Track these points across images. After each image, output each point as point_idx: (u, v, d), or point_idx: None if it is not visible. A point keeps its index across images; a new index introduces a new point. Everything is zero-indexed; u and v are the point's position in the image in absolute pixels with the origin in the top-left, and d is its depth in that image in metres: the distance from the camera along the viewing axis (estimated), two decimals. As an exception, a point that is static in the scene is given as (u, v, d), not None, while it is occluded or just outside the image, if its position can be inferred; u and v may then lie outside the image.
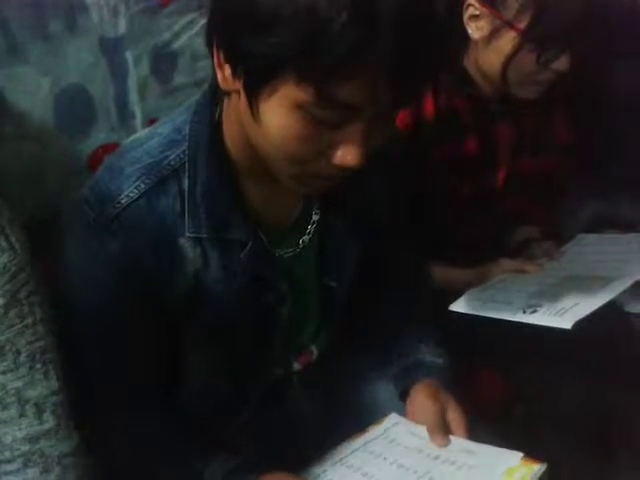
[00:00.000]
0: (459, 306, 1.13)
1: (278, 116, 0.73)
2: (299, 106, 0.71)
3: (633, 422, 1.30)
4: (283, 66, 0.69)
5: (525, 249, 1.37)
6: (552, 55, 1.17)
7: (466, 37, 1.23)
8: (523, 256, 1.34)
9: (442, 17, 0.73)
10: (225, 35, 0.75)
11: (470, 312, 1.11)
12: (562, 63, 1.17)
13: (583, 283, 1.11)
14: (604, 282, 1.09)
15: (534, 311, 1.06)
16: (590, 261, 1.23)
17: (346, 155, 0.75)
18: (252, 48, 0.70)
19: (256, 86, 0.73)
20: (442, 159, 1.28)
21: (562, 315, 1.01)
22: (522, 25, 1.16)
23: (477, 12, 1.19)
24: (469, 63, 1.27)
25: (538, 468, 0.84)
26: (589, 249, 1.30)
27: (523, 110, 1.32)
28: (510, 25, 1.16)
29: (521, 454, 0.87)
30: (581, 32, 1.14)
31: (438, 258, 1.30)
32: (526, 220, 1.44)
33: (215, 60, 0.77)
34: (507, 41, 1.18)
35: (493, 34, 1.19)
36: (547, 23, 1.14)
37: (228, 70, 0.76)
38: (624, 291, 1.09)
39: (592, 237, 1.35)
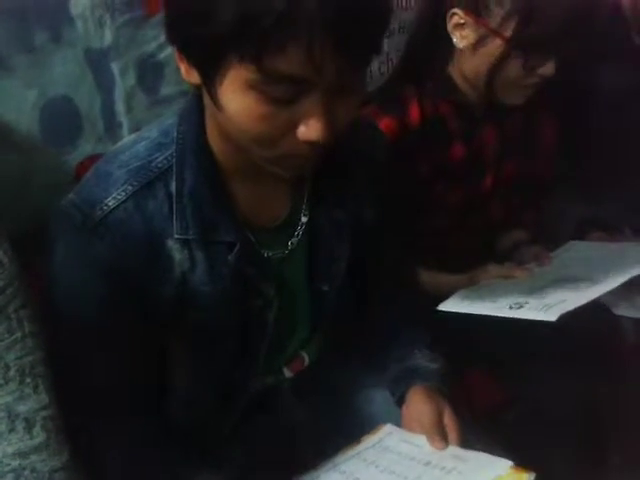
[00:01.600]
0: (447, 305, 1.14)
1: (234, 99, 0.75)
2: (250, 86, 0.73)
3: (624, 425, 1.31)
4: (224, 48, 0.71)
5: (514, 253, 1.38)
6: (538, 61, 1.17)
7: (450, 45, 1.23)
8: (512, 260, 1.34)
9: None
10: (173, 30, 0.77)
11: (457, 310, 1.11)
12: (548, 68, 1.18)
13: (570, 284, 1.12)
14: (590, 283, 1.10)
15: (520, 307, 1.07)
16: (578, 266, 1.24)
17: (309, 130, 0.75)
18: (193, 36, 0.72)
19: (208, 73, 0.75)
20: (429, 165, 1.28)
21: (547, 310, 1.02)
22: (508, 33, 1.16)
23: (462, 21, 1.19)
24: (454, 70, 1.27)
25: (527, 477, 0.85)
26: (578, 255, 1.30)
27: (508, 114, 1.32)
28: (496, 33, 1.16)
29: (510, 462, 0.87)
30: (567, 37, 1.15)
31: (427, 263, 1.30)
32: (515, 224, 1.45)
33: (176, 56, 0.79)
34: (493, 49, 1.18)
35: (479, 42, 1.19)
36: (533, 30, 1.14)
37: (186, 63, 0.78)
38: (612, 293, 1.09)
39: (582, 244, 1.36)
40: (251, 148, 0.80)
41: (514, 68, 1.18)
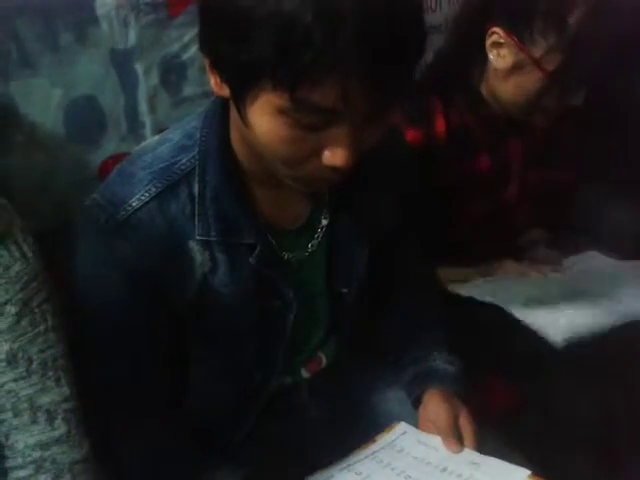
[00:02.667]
0: (460, 289, 1.15)
1: (263, 121, 0.75)
2: (280, 111, 0.73)
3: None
4: (259, 74, 0.71)
5: (530, 250, 1.38)
6: (572, 93, 1.16)
7: (485, 61, 1.21)
8: (527, 256, 1.34)
9: (412, 17, 0.73)
10: (208, 45, 0.77)
11: (469, 295, 1.12)
12: (578, 98, 1.17)
13: (581, 300, 1.12)
14: (601, 303, 1.10)
15: (532, 311, 1.08)
16: (591, 280, 1.23)
17: (333, 157, 0.76)
18: (231, 58, 0.72)
19: (240, 93, 0.75)
20: (454, 176, 1.28)
21: (555, 327, 1.02)
22: (549, 67, 1.13)
23: (501, 40, 1.17)
24: (485, 86, 1.25)
25: None
26: (593, 268, 1.30)
27: (535, 126, 1.31)
28: (537, 64, 1.14)
29: (528, 471, 0.87)
30: (604, 72, 1.14)
31: (448, 263, 1.30)
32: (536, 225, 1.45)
33: (207, 68, 0.79)
34: (531, 78, 1.16)
35: (516, 66, 1.17)
36: (576, 69, 1.12)
37: (218, 77, 0.78)
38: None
39: (599, 257, 1.35)
40: (274, 164, 0.80)
41: (548, 98, 1.17)
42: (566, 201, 1.47)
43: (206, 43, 0.77)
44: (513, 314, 1.08)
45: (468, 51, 1.23)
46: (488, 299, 1.11)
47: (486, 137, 1.29)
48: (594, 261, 1.33)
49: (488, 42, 1.18)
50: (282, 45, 0.67)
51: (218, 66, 0.76)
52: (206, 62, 0.78)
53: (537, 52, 1.14)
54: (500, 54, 1.18)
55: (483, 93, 1.26)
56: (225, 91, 0.78)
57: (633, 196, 1.52)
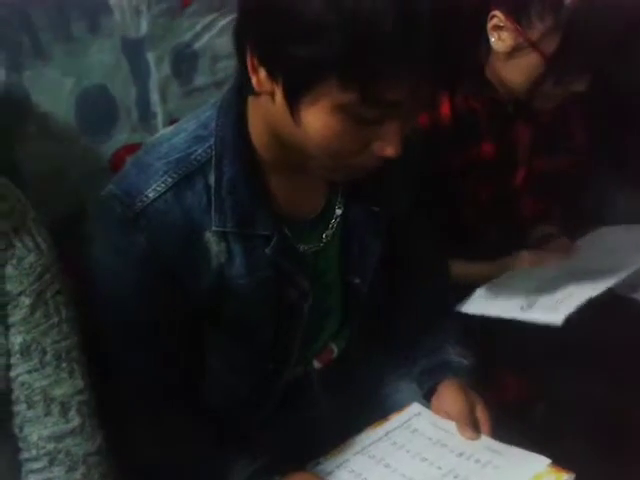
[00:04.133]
0: (466, 307, 1.14)
1: (320, 118, 0.75)
2: (341, 108, 0.73)
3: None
4: (326, 72, 0.71)
5: (543, 245, 1.37)
6: (572, 79, 1.16)
7: (488, 44, 1.21)
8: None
9: (470, 21, 0.75)
10: (262, 41, 0.75)
11: (474, 312, 1.12)
12: (580, 84, 1.16)
13: (582, 276, 1.11)
14: (602, 273, 1.09)
15: (530, 307, 1.07)
16: (601, 255, 1.23)
17: (387, 148, 0.78)
18: (294, 55, 0.71)
19: (297, 91, 0.74)
20: (460, 160, 1.28)
21: (554, 310, 1.02)
22: (546, 49, 1.13)
23: (501, 24, 1.17)
24: (489, 69, 1.25)
25: (567, 477, 0.84)
26: (604, 241, 1.29)
27: (540, 110, 1.31)
28: (534, 47, 1.14)
29: (548, 460, 0.87)
30: (604, 58, 1.13)
31: (458, 255, 1.30)
32: (545, 218, 1.44)
33: (248, 63, 0.78)
34: (530, 60, 1.16)
35: (515, 50, 1.17)
36: (573, 53, 1.11)
37: (263, 73, 0.77)
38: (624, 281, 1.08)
39: (612, 229, 1.34)
40: (318, 159, 0.81)
41: (548, 83, 1.16)
42: (573, 188, 1.46)
43: (254, 38, 0.76)
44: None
45: (472, 35, 1.23)
46: (489, 313, 1.10)
47: (492, 121, 1.29)
48: (604, 235, 1.32)
49: (489, 25, 1.19)
50: (357, 48, 0.68)
51: (272, 63, 0.75)
52: (249, 58, 0.77)
53: (534, 35, 1.14)
54: (500, 37, 1.18)
55: (489, 76, 1.26)
56: (270, 88, 0.77)
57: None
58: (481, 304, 1.14)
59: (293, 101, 0.75)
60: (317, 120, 0.75)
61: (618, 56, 1.13)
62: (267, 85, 0.77)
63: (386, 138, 0.77)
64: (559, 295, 1.05)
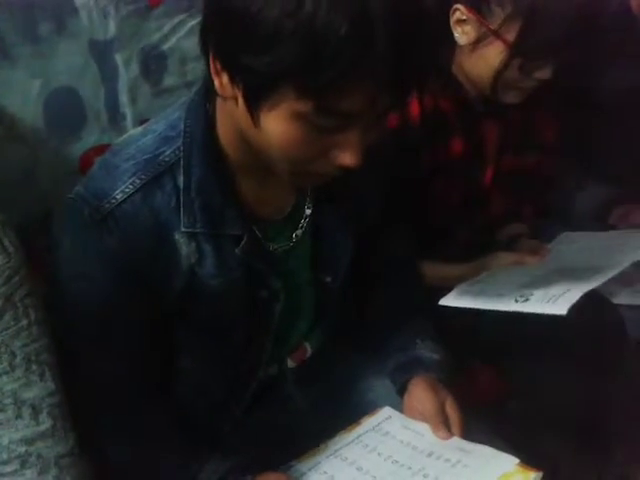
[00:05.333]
0: (449, 300, 1.13)
1: (279, 124, 0.75)
2: (299, 116, 0.73)
3: (626, 417, 1.31)
4: (283, 81, 0.71)
5: (513, 245, 1.38)
6: (536, 65, 1.17)
7: (453, 41, 1.22)
8: (511, 251, 1.34)
9: (433, 22, 0.75)
10: (222, 48, 0.76)
11: (460, 305, 1.11)
12: (545, 72, 1.17)
13: (572, 272, 1.12)
14: (592, 271, 1.10)
15: (526, 300, 1.06)
16: (576, 255, 1.24)
17: (346, 157, 0.77)
18: (251, 64, 0.71)
19: (256, 98, 0.75)
20: (429, 160, 1.28)
21: (555, 301, 1.02)
22: (508, 36, 1.14)
23: (464, 17, 1.18)
24: (455, 67, 1.26)
25: (534, 476, 0.84)
26: (574, 246, 1.31)
27: (509, 109, 1.32)
28: (497, 35, 1.15)
29: (516, 460, 0.87)
30: (567, 43, 1.13)
31: (431, 256, 1.30)
32: (516, 217, 1.45)
33: (211, 67, 0.78)
34: (493, 50, 1.17)
35: (479, 41, 1.18)
36: (535, 38, 1.13)
37: (226, 78, 0.77)
38: (612, 281, 1.09)
39: (575, 235, 1.36)
40: (279, 164, 0.81)
41: (511, 71, 1.18)
42: (541, 188, 1.48)
43: (216, 45, 0.76)
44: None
45: (436, 33, 1.23)
46: (480, 306, 1.11)
47: (460, 120, 1.30)
48: (572, 240, 1.34)
49: (452, 20, 1.20)
50: (313, 57, 0.67)
51: (232, 69, 0.75)
52: (212, 62, 0.77)
53: (496, 23, 1.16)
54: (464, 31, 1.20)
55: (455, 73, 1.27)
56: (232, 92, 0.77)
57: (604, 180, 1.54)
58: (467, 298, 1.13)
59: (253, 107, 0.76)
60: (276, 126, 0.75)
61: (579, 44, 1.14)
62: (229, 89, 0.77)
63: (345, 147, 0.77)
64: (554, 290, 1.05)
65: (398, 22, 0.68)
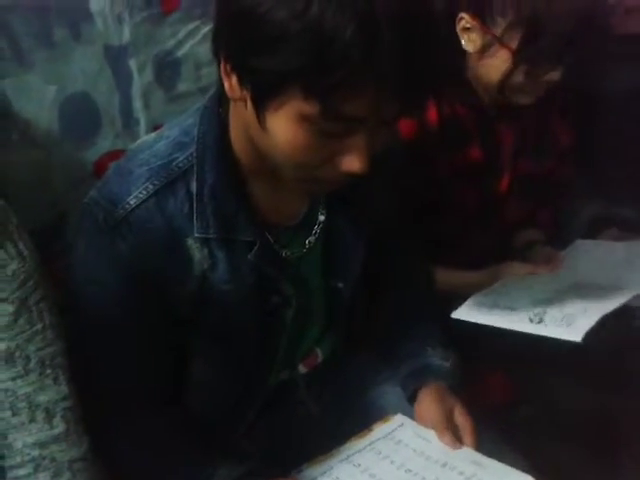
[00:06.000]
0: (462, 314, 1.12)
1: (285, 127, 0.75)
2: (305, 118, 0.73)
3: (637, 427, 1.30)
4: (289, 81, 0.71)
5: (527, 252, 1.38)
6: (542, 71, 1.17)
7: (462, 47, 1.23)
8: (526, 258, 1.34)
9: (442, 29, 0.75)
10: (231, 49, 0.76)
11: (473, 320, 1.10)
12: (554, 75, 1.18)
13: (588, 291, 1.11)
14: (611, 288, 1.09)
15: (540, 320, 1.06)
16: (592, 268, 1.23)
17: (352, 163, 0.77)
18: (259, 64, 0.72)
19: (263, 99, 0.75)
20: (447, 166, 1.28)
21: (570, 325, 1.01)
22: (512, 43, 1.15)
23: (469, 25, 1.19)
24: (469, 73, 1.27)
25: None
26: (590, 256, 1.30)
27: (523, 114, 1.33)
28: (501, 43, 1.16)
29: (531, 478, 0.87)
30: (573, 48, 1.14)
31: (445, 262, 1.30)
32: (532, 223, 1.45)
33: (222, 69, 0.79)
34: (499, 57, 1.18)
35: (485, 48, 1.20)
36: (537, 45, 1.13)
37: (235, 79, 0.77)
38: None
39: (590, 243, 1.35)
40: (285, 169, 0.81)
41: (518, 76, 1.18)
42: (557, 193, 1.48)
43: (225, 46, 0.77)
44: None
45: (448, 40, 1.24)
46: (493, 323, 1.10)
47: (476, 125, 1.30)
48: (587, 249, 1.33)
49: (458, 28, 1.21)
50: (319, 58, 0.68)
51: (241, 70, 0.76)
52: (223, 64, 0.78)
53: (498, 31, 1.17)
54: (470, 38, 1.21)
55: (470, 81, 1.27)
56: (241, 94, 0.78)
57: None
58: (480, 313, 1.12)
59: (260, 108, 0.76)
60: (282, 129, 0.76)
61: (584, 47, 1.15)
62: (238, 91, 0.78)
63: (351, 153, 0.77)
64: (570, 309, 1.05)
65: (405, 25, 0.69)
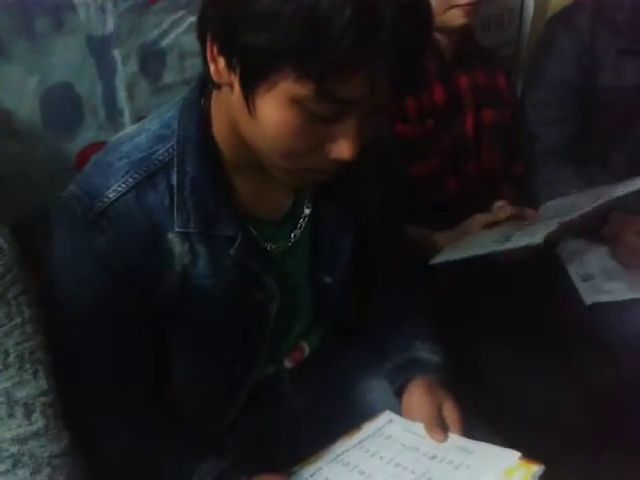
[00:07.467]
0: (437, 259, 1.17)
1: (274, 110, 0.74)
2: (296, 101, 0.72)
3: (627, 421, 1.31)
4: (282, 61, 0.70)
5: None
6: None
7: None
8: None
9: (429, 14, 0.74)
10: (222, 29, 0.75)
11: (447, 259, 1.15)
12: None
13: (551, 218, 1.15)
14: (571, 210, 1.14)
15: (506, 240, 1.11)
16: (556, 209, 1.26)
17: (341, 149, 0.76)
18: (251, 43, 0.71)
19: (253, 80, 0.74)
20: (416, 106, 1.34)
21: (533, 235, 1.05)
22: None
23: None
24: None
25: (537, 469, 0.84)
26: (557, 204, 1.32)
27: (473, 65, 1.45)
28: None
29: (518, 453, 0.86)
30: None
31: (418, 221, 1.31)
32: (508, 177, 1.53)
33: (208, 53, 0.78)
34: None
35: None
36: None
37: (222, 63, 0.76)
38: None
39: (555, 201, 1.37)
40: (272, 157, 0.80)
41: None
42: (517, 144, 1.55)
43: (214, 26, 0.76)
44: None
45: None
46: (465, 255, 1.13)
47: (437, 68, 1.38)
48: (549, 205, 1.35)
49: None
50: (314, 38, 0.67)
51: (229, 51, 0.75)
52: (209, 48, 0.77)
53: None
54: None
55: None
56: (228, 78, 0.77)
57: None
58: (452, 253, 1.17)
59: (249, 91, 0.75)
60: (272, 112, 0.74)
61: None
62: (225, 75, 0.77)
63: (341, 139, 0.76)
64: (534, 230, 1.09)
65: (402, 7, 0.69)
